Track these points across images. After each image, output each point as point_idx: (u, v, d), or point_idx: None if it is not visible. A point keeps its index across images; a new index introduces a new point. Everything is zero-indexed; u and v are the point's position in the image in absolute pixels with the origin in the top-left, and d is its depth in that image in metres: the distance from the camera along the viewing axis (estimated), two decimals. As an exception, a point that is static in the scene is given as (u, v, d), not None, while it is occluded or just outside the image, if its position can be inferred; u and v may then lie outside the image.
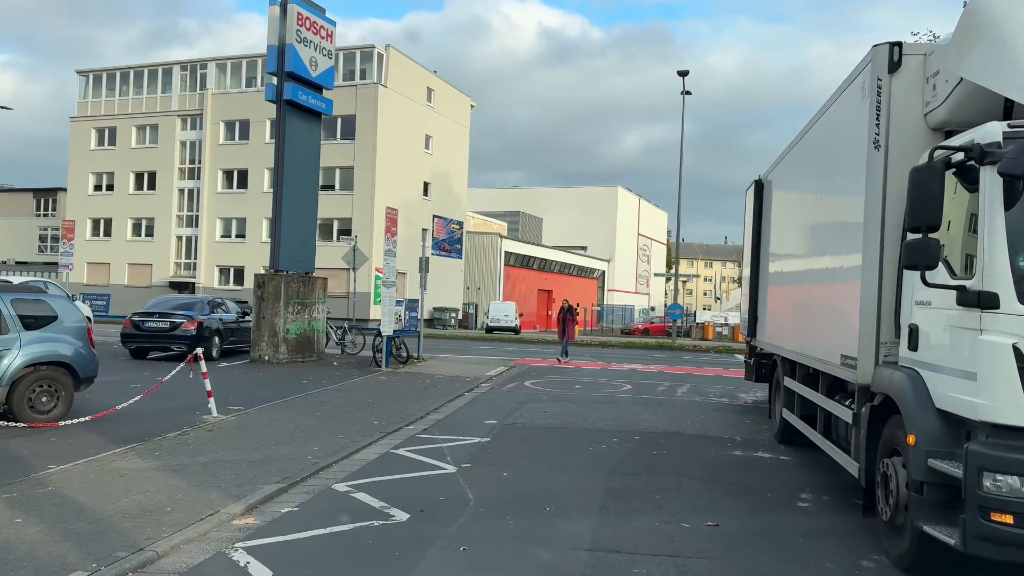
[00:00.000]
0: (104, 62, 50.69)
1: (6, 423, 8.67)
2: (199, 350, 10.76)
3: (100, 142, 50.45)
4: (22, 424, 8.23)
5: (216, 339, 18.30)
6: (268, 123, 46.04)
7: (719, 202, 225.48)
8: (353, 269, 23.03)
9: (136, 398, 9.42)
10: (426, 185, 49.46)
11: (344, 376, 16.43)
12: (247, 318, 20.29)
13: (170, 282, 48.09)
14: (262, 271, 19.07)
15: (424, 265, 21.09)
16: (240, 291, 45.44)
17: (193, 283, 47.42)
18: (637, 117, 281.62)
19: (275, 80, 18.69)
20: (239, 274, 47.11)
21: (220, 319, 18.78)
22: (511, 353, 26.75)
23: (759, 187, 12.48)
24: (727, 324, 46.94)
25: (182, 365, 10.46)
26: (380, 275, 47.18)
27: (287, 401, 12.54)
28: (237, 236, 47.36)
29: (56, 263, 57.89)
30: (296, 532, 6.06)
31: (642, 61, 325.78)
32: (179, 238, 48.84)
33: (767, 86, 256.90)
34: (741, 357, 25.73)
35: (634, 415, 12.51)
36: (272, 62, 18.46)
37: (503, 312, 44.39)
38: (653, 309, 77.02)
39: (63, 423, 8.72)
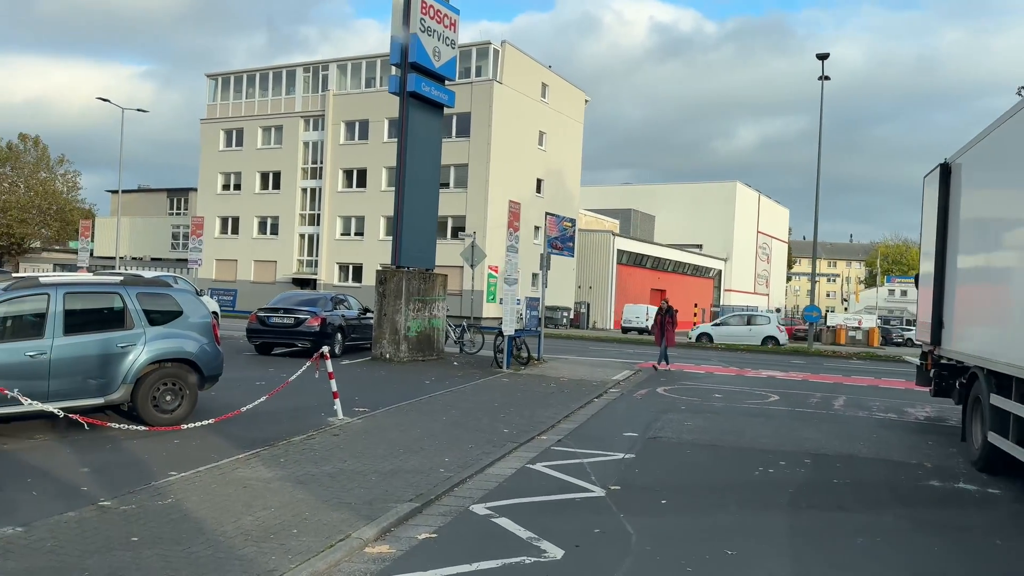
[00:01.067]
0: (232, 67, 52.63)
1: (127, 425, 8.23)
2: (325, 349, 10.20)
3: (228, 143, 52.50)
4: (144, 428, 7.77)
5: (338, 336, 18.03)
6: (386, 122, 46.58)
7: (843, 198, 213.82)
8: (472, 266, 22.40)
9: (261, 399, 8.92)
10: (539, 182, 48.70)
11: (466, 377, 15.71)
12: (368, 315, 19.98)
13: (293, 278, 49.44)
14: (380, 268, 18.66)
15: (545, 262, 20.18)
16: (359, 288, 46.14)
17: (315, 280, 48.55)
18: (752, 111, 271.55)
19: (398, 72, 18.20)
20: (357, 271, 47.86)
21: (342, 316, 18.52)
22: (632, 355, 25.46)
23: (945, 172, 10.77)
24: (860, 328, 43.78)
25: (308, 364, 9.92)
26: (494, 273, 46.94)
27: (412, 404, 11.86)
28: (356, 234, 48.12)
29: (187, 259, 61.01)
30: (437, 567, 5.18)
31: (758, 54, 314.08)
32: (301, 236, 50.14)
33: (894, 77, 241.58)
34: (892, 366, 23.62)
35: (794, 432, 11.08)
36: (395, 53, 17.99)
37: (635, 314, 46.04)
38: (779, 311, 73.25)
39: (186, 426, 8.25)
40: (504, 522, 6.23)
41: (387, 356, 17.70)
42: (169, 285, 9.82)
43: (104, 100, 40.35)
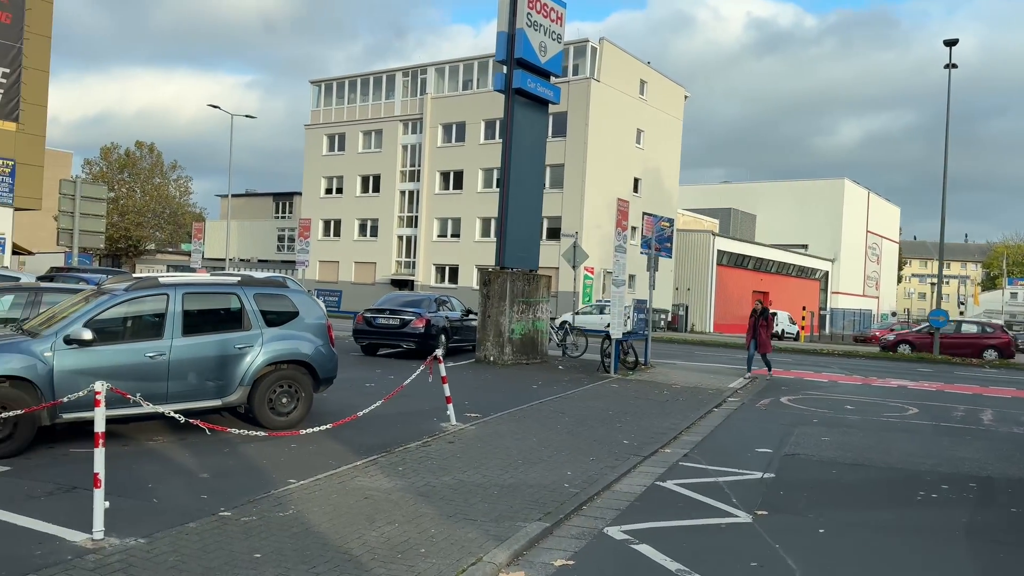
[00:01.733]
0: (332, 74, 53.94)
1: (244, 431, 8.05)
2: (439, 352, 9.85)
3: (331, 148, 53.76)
4: (262, 433, 7.55)
5: (442, 337, 17.80)
6: (483, 124, 46.59)
7: (956, 196, 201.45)
8: (573, 267, 21.83)
9: (377, 403, 8.62)
10: (636, 181, 47.62)
11: (573, 382, 15.14)
12: (471, 316, 19.72)
13: (391, 279, 50.15)
14: (482, 269, 18.33)
15: (652, 263, 19.39)
16: (455, 289, 46.31)
17: (412, 281, 49.09)
18: (855, 107, 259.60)
19: (502, 69, 17.82)
20: (454, 272, 48.08)
21: (446, 317, 18.29)
22: (741, 360, 24.25)
23: None
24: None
25: (422, 368, 9.58)
26: (590, 275, 45.96)
27: (523, 410, 11.39)
28: (452, 235, 48.34)
29: (292, 261, 62.97)
30: (581, 603, 4.64)
31: (862, 47, 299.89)
32: (400, 237, 50.78)
33: (1010, 68, 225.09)
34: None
35: (946, 450, 9.97)
36: (501, 49, 17.61)
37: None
38: (895, 314, 69.33)
39: (304, 431, 7.99)
40: (646, 550, 5.64)
41: (491, 359, 17.33)
42: (285, 285, 9.68)
43: (214, 107, 41.95)
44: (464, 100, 47.54)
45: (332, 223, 53.94)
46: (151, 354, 8.15)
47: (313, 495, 6.45)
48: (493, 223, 47.86)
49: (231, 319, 8.94)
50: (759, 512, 6.71)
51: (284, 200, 71.39)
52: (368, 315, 17.98)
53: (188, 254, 72.48)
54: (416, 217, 49.79)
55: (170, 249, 73.13)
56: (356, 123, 52.18)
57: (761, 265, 61.04)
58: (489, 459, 8.10)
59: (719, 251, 55.49)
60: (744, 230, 66.53)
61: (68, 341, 7.65)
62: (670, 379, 16.63)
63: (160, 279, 8.66)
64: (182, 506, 6.02)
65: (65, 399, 6.54)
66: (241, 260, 63.08)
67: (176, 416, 6.61)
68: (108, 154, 64.38)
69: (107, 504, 5.16)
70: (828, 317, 59.24)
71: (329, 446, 8.29)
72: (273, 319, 9.19)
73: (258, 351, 8.88)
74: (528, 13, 17.33)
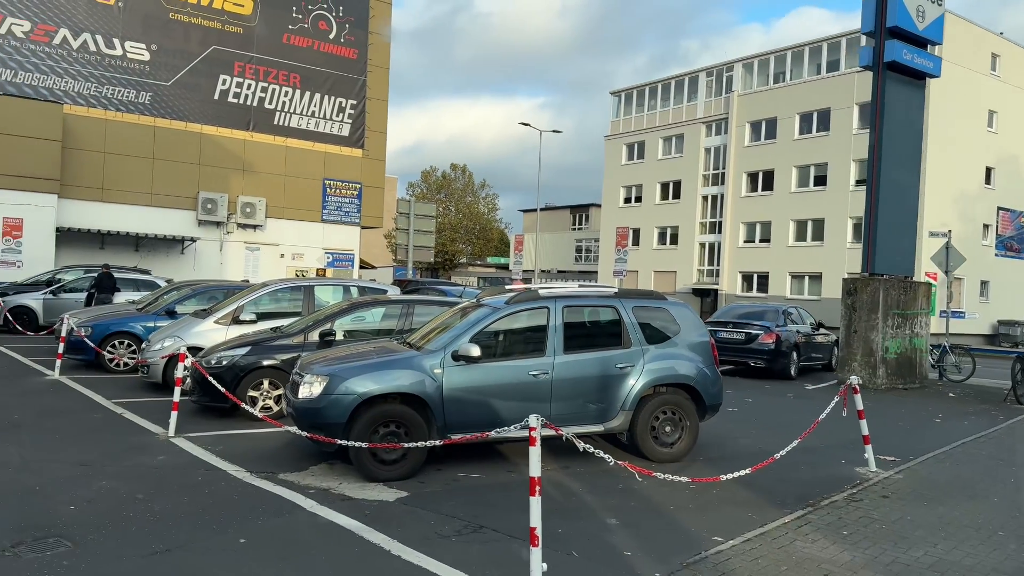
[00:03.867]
0: (615, 88, 53.63)
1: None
2: (853, 380, 8.00)
3: (630, 157, 53.26)
4: (668, 477, 6.32)
5: (794, 354, 15.67)
6: (796, 118, 42.84)
7: None
8: (946, 272, 18.28)
9: (793, 444, 7.04)
10: (988, 171, 40.48)
11: (984, 415, 12.18)
12: (821, 330, 17.29)
13: (693, 289, 48.16)
14: (847, 276, 15.82)
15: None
16: (764, 299, 43.02)
17: (716, 290, 46.64)
18: None
19: (869, 42, 15.28)
20: (763, 280, 44.72)
21: (797, 331, 16.09)
22: None
23: None
24: None
25: (836, 399, 7.82)
26: (932, 281, 40.20)
27: (948, 453, 9.04)
28: (761, 241, 45.04)
29: (590, 271, 63.74)
30: None
31: None
32: (701, 245, 48.60)
33: None
34: None
35: None
36: (868, 19, 15.07)
37: None
38: None
39: (724, 477, 6.55)
40: None
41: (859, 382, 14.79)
42: (664, 298, 8.51)
43: (525, 124, 43.64)
44: (775, 94, 44.13)
45: (630, 232, 53.22)
46: (534, 372, 7.41)
47: (758, 565, 5.07)
48: (810, 225, 43.77)
49: (610, 335, 7.96)
50: None
51: (581, 212, 72.74)
52: (709, 328, 16.42)
53: (495, 266, 77.27)
54: (720, 223, 47.25)
55: (478, 262, 78.16)
56: (656, 129, 51.07)
57: None
58: (955, 525, 6.12)
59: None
60: None
61: (456, 357, 7.15)
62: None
63: (540, 291, 7.94)
64: (603, 561, 4.97)
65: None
66: (542, 271, 65.20)
67: (576, 442, 5.57)
68: (428, 177, 70.62)
69: (545, 567, 4.23)
70: None
71: (729, 489, 6.88)
72: (653, 336, 8.06)
73: (640, 372, 7.80)
74: (903, -28, 14.63)
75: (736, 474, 6.15)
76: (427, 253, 29.58)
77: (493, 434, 6.07)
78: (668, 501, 6.54)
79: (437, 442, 6.25)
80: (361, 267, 33.55)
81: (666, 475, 5.68)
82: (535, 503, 4.26)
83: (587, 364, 7.67)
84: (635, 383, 7.76)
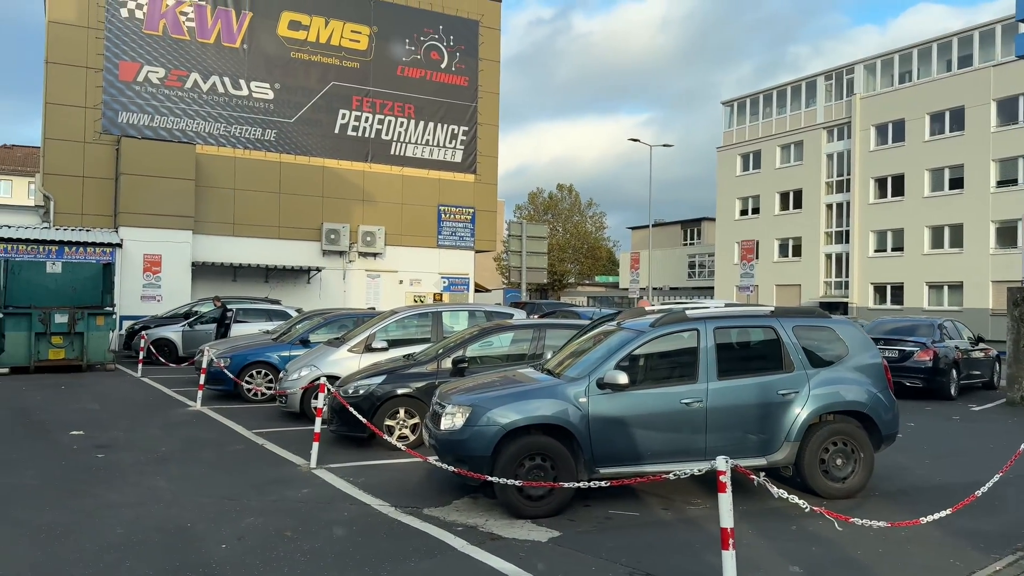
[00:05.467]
0: (725, 99, 52.04)
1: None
2: None
3: (745, 167, 51.43)
4: (866, 523, 5.51)
5: (953, 372, 14.29)
6: (927, 119, 40.13)
7: None
8: None
9: (995, 477, 6.17)
10: None
11: None
12: (981, 345, 15.75)
13: (820, 303, 45.64)
14: (1009, 289, 14.31)
15: None
16: (899, 311, 40.25)
17: (846, 303, 44.05)
18: None
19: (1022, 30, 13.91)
20: (897, 292, 41.91)
21: (956, 347, 14.68)
22: None
23: None
24: None
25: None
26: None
27: None
28: (894, 249, 42.27)
29: (705, 287, 61.83)
30: None
31: None
32: (827, 256, 46.14)
33: None
34: None
35: None
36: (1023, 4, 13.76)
37: None
38: None
39: (926, 519, 5.68)
40: None
41: (1028, 401, 13.30)
42: (828, 316, 7.77)
43: (634, 140, 42.74)
44: (902, 95, 41.53)
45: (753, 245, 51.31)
46: (686, 400, 6.84)
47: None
48: (947, 231, 40.67)
49: (768, 358, 7.29)
50: None
51: (692, 227, 70.88)
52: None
53: (603, 285, 76.39)
54: (847, 231, 44.72)
55: (587, 281, 77.45)
56: (772, 138, 49.10)
57: None
58: None
59: None
60: None
61: (601, 385, 6.69)
62: None
63: (688, 312, 7.38)
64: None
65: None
66: (654, 288, 63.78)
67: (753, 476, 4.95)
68: (534, 198, 70.76)
69: (744, 631, 3.69)
70: None
71: (920, 530, 6.04)
72: (817, 358, 7.33)
73: (805, 398, 7.09)
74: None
75: (937, 515, 5.36)
76: (540, 275, 29.28)
77: (670, 476, 5.46)
78: (852, 545, 5.81)
79: (597, 483, 5.76)
80: (476, 291, 33.66)
81: (864, 521, 4.98)
82: (728, 558, 3.74)
83: (745, 390, 7.03)
84: (800, 411, 7.05)
